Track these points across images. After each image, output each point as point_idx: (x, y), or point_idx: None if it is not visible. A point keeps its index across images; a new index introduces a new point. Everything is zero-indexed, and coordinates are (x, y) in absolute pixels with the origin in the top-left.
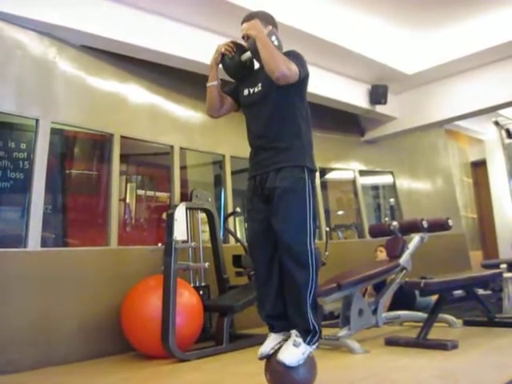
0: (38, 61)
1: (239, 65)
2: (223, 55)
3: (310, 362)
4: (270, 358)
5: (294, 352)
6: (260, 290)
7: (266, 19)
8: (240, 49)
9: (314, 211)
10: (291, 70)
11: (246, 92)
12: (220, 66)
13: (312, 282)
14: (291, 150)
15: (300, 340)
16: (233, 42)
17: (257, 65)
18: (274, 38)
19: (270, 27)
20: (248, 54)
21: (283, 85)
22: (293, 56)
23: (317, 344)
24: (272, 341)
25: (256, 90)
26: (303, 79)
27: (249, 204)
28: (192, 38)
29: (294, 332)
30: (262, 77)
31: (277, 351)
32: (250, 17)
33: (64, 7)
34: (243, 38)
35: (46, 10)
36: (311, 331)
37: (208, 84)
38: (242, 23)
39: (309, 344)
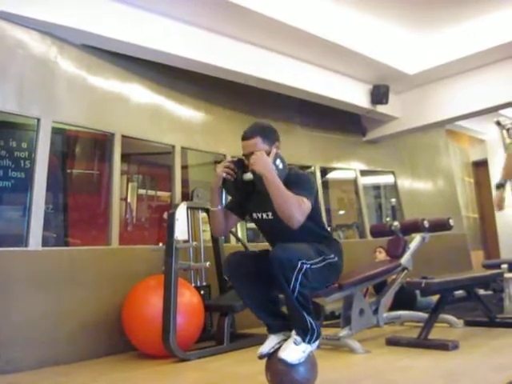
0: (40, 60)
1: (241, 185)
2: (224, 178)
3: (310, 362)
4: (271, 358)
5: (294, 350)
6: (245, 301)
7: (269, 137)
8: (241, 167)
9: (319, 273)
10: (304, 212)
11: (255, 216)
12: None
13: (294, 289)
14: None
15: (300, 339)
16: (233, 162)
17: None
18: (278, 161)
19: (274, 149)
20: (250, 176)
21: None
22: (300, 184)
23: (317, 343)
24: (271, 341)
25: (265, 217)
26: (314, 201)
27: None
28: (194, 37)
29: (294, 331)
30: (271, 204)
31: (277, 350)
32: (252, 134)
33: (65, 6)
34: (244, 155)
35: (47, 9)
36: (309, 330)
37: (211, 209)
38: (243, 139)
39: (309, 343)
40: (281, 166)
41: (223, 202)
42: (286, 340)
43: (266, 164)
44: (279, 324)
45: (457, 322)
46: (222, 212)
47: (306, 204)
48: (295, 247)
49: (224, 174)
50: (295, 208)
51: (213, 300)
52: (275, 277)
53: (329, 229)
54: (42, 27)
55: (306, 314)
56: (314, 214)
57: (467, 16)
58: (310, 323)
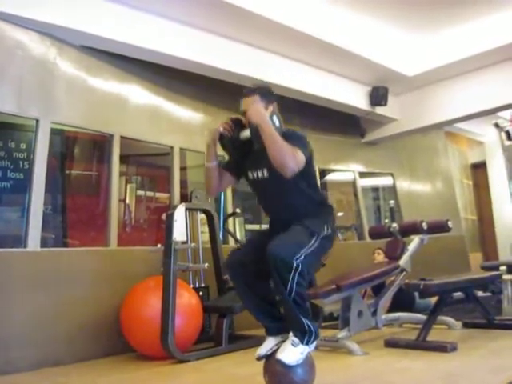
0: (39, 61)
1: (238, 144)
2: (221, 134)
3: (308, 363)
4: (269, 359)
5: (292, 351)
6: (245, 302)
7: (267, 97)
8: (239, 125)
9: (314, 254)
10: (298, 162)
11: (250, 176)
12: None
13: (291, 290)
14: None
15: (298, 340)
16: (231, 120)
17: None
18: (275, 118)
19: (271, 107)
20: (247, 133)
21: None
22: (295, 139)
23: (315, 344)
24: (270, 343)
25: (260, 175)
26: (309, 159)
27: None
28: (190, 37)
29: (291, 333)
30: (266, 161)
31: (275, 352)
32: (251, 92)
33: (65, 8)
34: (242, 113)
35: (46, 10)
36: (306, 331)
37: (206, 164)
38: (242, 97)
39: (307, 344)
40: (277, 123)
41: (218, 159)
42: (284, 342)
43: (263, 116)
44: (278, 326)
45: (455, 324)
46: (216, 168)
47: (299, 155)
48: (289, 242)
49: (222, 129)
50: (289, 156)
51: (211, 301)
52: (272, 276)
53: None
54: (41, 28)
55: (302, 316)
56: (307, 175)
57: (466, 18)
58: (307, 325)
